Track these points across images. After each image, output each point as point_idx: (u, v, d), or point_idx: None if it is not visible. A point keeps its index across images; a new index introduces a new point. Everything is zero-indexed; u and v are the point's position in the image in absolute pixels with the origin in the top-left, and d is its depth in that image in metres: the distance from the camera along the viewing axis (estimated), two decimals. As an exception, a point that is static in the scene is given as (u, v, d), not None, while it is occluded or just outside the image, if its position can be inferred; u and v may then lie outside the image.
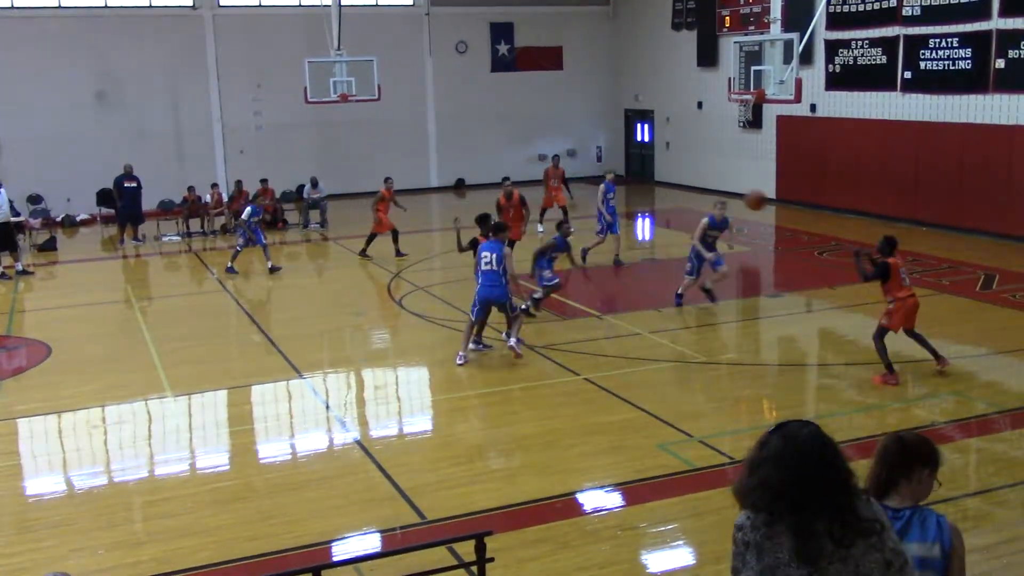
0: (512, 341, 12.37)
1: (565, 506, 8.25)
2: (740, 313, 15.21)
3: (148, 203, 23.81)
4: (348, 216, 24.77)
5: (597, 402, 10.76)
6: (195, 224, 23.80)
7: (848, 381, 11.48)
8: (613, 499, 8.44)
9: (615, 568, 7.17)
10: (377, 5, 29.64)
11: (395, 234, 19.80)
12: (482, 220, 13.42)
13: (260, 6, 28.49)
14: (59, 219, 25.71)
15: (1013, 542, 7.29)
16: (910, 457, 4.06)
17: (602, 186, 18.48)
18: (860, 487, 3.38)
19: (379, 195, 20.00)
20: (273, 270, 18.65)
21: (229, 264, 18.73)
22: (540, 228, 21.67)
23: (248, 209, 18.94)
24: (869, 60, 22.15)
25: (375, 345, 14.32)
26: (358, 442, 9.99)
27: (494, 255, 12.18)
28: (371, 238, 19.88)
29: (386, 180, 20.33)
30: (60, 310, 16.52)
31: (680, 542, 7.75)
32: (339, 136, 29.09)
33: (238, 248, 18.80)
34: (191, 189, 24.00)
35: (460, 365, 12.15)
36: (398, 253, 19.65)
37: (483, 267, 12.25)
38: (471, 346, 12.54)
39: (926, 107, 20.93)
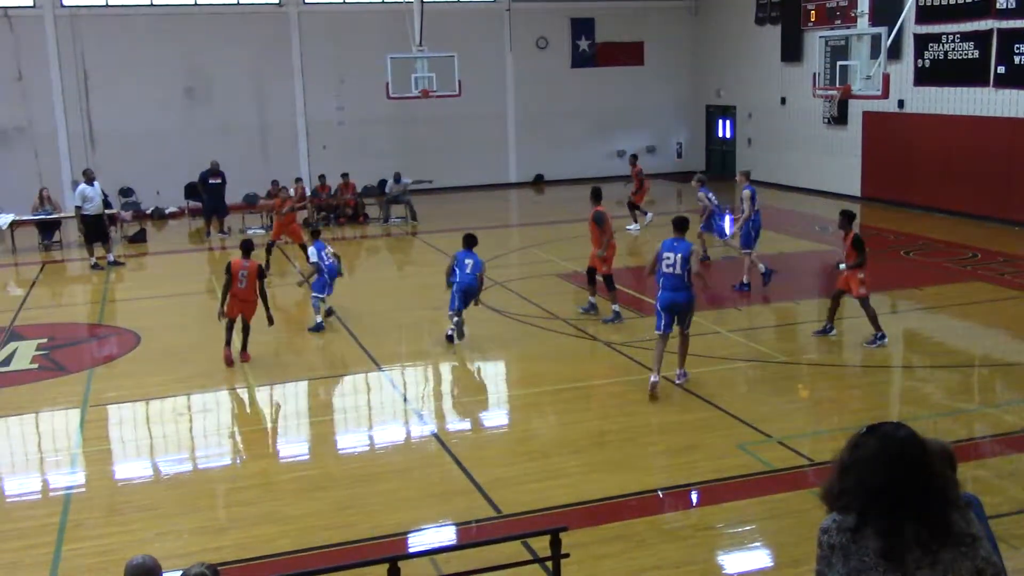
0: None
1: (641, 504, 8.21)
2: (822, 313, 14.91)
3: (233, 196, 24.31)
4: (428, 212, 24.92)
5: (675, 400, 10.68)
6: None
7: (934, 384, 11.19)
8: (690, 498, 8.37)
9: (690, 568, 7.11)
10: (459, 1, 29.78)
11: None
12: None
13: (344, 3, 28.85)
14: (149, 212, 26.45)
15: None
16: None
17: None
18: (958, 495, 3.28)
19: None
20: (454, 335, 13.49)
21: None
22: (629, 228, 21.41)
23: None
24: (960, 55, 21.51)
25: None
26: (435, 435, 10.07)
27: (678, 255, 10.64)
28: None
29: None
30: (149, 300, 16.98)
31: (757, 544, 7.65)
32: (419, 131, 29.31)
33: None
34: (275, 183, 24.39)
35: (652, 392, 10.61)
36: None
37: (664, 269, 10.66)
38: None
39: (1020, 103, 20.26)
